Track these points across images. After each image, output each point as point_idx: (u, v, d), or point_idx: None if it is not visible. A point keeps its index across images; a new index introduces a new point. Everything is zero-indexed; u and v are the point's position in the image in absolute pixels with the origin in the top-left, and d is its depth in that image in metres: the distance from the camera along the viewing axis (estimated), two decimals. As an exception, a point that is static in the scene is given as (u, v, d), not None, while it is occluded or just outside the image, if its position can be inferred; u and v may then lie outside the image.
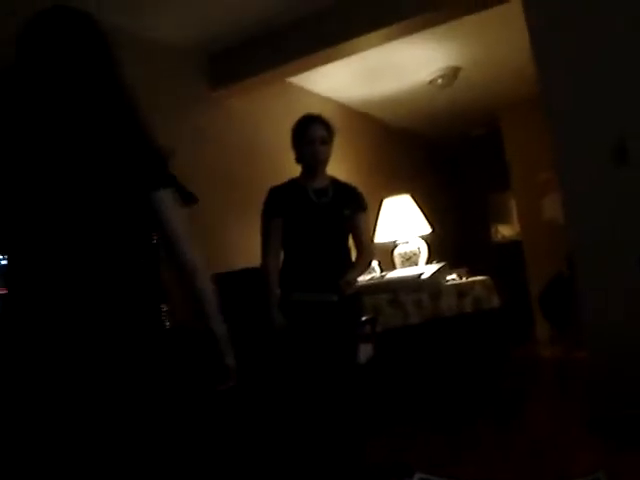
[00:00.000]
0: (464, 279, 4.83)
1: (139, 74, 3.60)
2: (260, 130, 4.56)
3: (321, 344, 2.74)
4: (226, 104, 4.40)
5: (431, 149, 7.62)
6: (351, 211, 2.89)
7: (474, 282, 4.73)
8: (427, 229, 5.46)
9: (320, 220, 2.81)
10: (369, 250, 3.00)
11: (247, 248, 3.79)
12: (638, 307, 3.04)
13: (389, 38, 3.92)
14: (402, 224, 5.33)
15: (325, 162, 2.87)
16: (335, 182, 2.95)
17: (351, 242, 2.99)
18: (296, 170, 2.99)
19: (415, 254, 5.23)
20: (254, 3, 3.69)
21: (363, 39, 3.85)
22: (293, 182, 2.93)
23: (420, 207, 5.60)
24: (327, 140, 2.85)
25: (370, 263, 3.09)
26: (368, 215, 3.03)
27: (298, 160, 2.92)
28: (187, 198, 3.13)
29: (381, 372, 3.84)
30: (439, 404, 4.06)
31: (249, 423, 2.90)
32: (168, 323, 2.89)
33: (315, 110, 3.01)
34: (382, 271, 4.95)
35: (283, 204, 2.83)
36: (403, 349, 4.16)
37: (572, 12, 3.20)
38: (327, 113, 3.26)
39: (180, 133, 3.90)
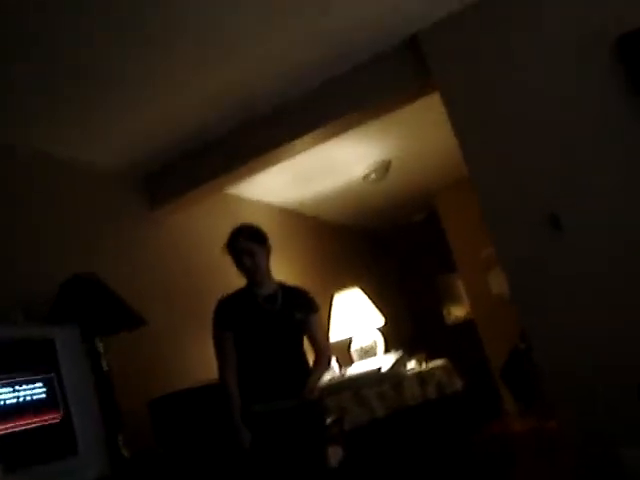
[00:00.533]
0: (424, 365, 4.82)
1: (77, 201, 3.68)
2: (201, 243, 4.57)
3: (288, 453, 2.65)
4: (166, 222, 4.41)
5: (375, 240, 7.76)
6: (303, 314, 2.88)
7: (434, 368, 4.71)
8: (380, 320, 5.47)
9: (272, 327, 2.79)
10: (326, 350, 2.98)
11: (201, 361, 3.72)
12: (593, 374, 3.06)
13: (319, 141, 4.04)
14: (355, 318, 5.33)
15: (258, 271, 2.86)
16: (283, 287, 2.95)
17: (307, 344, 2.96)
18: (236, 281, 2.99)
19: (372, 347, 5.21)
20: (184, 120, 3.77)
21: (294, 145, 3.96)
22: (242, 290, 2.92)
23: (371, 297, 5.63)
24: (253, 250, 2.85)
25: (329, 363, 3.06)
26: (321, 316, 3.02)
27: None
28: (135, 322, 3.09)
29: (354, 472, 3.72)
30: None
31: None
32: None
33: (253, 216, 3.07)
34: (341, 368, 4.89)
35: (233, 315, 2.81)
36: (373, 445, 4.06)
37: (487, 96, 3.37)
38: (265, 218, 3.32)
39: (121, 255, 3.88)
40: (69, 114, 3.33)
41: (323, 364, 2.97)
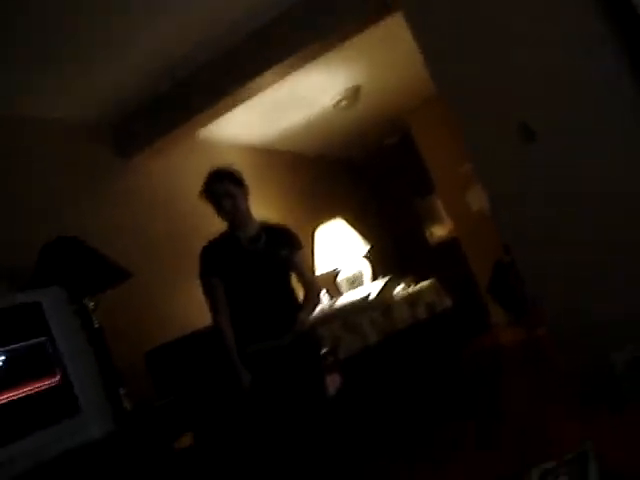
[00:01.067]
0: (412, 287, 4.88)
1: (48, 160, 3.60)
2: (178, 189, 4.52)
3: (288, 388, 2.70)
4: (141, 171, 4.35)
5: (351, 168, 7.71)
6: (287, 251, 2.88)
7: (422, 289, 4.78)
8: (365, 247, 5.51)
9: (258, 267, 2.79)
10: (314, 285, 3.01)
11: (191, 308, 3.74)
12: (577, 275, 3.11)
13: (285, 73, 3.96)
14: (339, 249, 5.35)
15: (240, 213, 2.83)
16: (266, 227, 2.94)
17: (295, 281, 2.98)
18: (218, 222, 2.97)
19: (359, 276, 5.25)
20: (148, 66, 3.68)
21: (260, 80, 3.89)
22: (224, 235, 2.90)
23: (353, 226, 5.65)
24: (232, 192, 2.81)
25: (318, 297, 3.09)
26: (305, 252, 3.03)
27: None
28: (120, 276, 3.08)
29: (354, 399, 3.81)
30: (416, 416, 4.05)
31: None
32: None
33: (226, 157, 3.03)
34: (330, 299, 4.95)
35: (218, 261, 2.80)
36: (368, 371, 4.14)
37: (451, 8, 3.30)
38: (239, 158, 3.27)
39: (99, 209, 3.84)
40: (31, 67, 3.23)
41: (313, 298, 2.99)
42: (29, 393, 2.33)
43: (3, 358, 2.31)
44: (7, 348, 2.33)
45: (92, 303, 2.95)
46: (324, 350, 3.60)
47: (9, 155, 3.42)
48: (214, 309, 2.80)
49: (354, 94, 5.28)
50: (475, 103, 3.31)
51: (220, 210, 2.82)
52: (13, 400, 2.27)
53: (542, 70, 3.10)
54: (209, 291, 2.81)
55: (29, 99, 3.49)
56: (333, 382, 3.47)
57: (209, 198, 2.83)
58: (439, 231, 7.72)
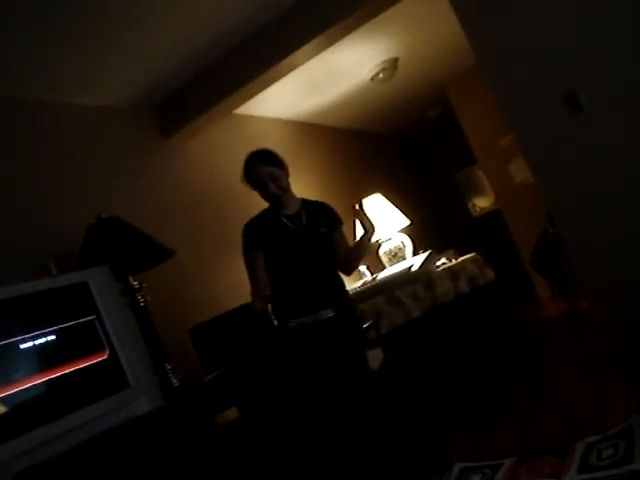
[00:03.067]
0: (454, 261, 4.85)
1: (91, 144, 3.68)
2: (218, 167, 4.56)
3: (329, 362, 2.73)
4: (181, 150, 4.40)
5: (391, 142, 7.65)
6: (327, 228, 2.88)
7: (464, 261, 4.75)
8: (405, 221, 5.49)
9: (300, 245, 2.80)
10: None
11: (232, 285, 3.79)
12: (623, 249, 3.05)
13: (322, 46, 3.93)
14: (380, 223, 5.34)
15: (284, 193, 2.84)
16: (306, 203, 2.94)
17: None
18: (259, 199, 2.98)
19: (400, 249, 5.25)
20: (183, 46, 3.70)
21: (297, 54, 3.86)
22: (265, 212, 2.91)
23: (394, 202, 5.62)
24: (275, 173, 2.80)
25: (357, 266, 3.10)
26: (344, 228, 3.02)
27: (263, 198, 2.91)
28: (164, 254, 3.13)
29: (398, 372, 3.83)
30: (462, 389, 4.05)
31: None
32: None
33: (266, 134, 3.02)
34: (372, 274, 4.95)
35: (260, 238, 2.82)
36: (412, 345, 4.15)
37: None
38: (278, 134, 3.27)
39: (141, 189, 3.91)
40: (68, 59, 3.29)
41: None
42: (80, 368, 2.42)
43: (54, 336, 2.39)
44: (58, 327, 2.41)
45: (137, 282, 3.01)
46: (366, 324, 3.61)
47: (57, 141, 3.51)
48: (253, 282, 2.82)
49: (392, 66, 5.21)
50: (518, 73, 3.24)
51: (265, 193, 2.82)
52: (65, 376, 2.36)
53: (589, 39, 3.02)
54: (250, 266, 2.83)
55: (71, 86, 3.56)
56: (375, 357, 3.48)
57: (252, 182, 2.83)
58: (481, 203, 7.63)
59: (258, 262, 2.81)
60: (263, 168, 2.79)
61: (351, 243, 3.05)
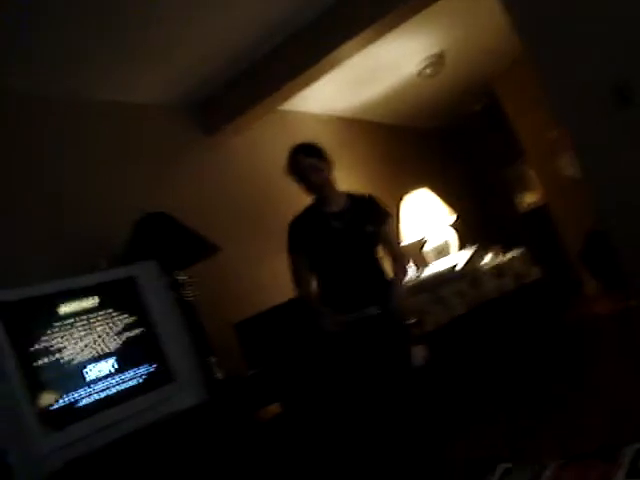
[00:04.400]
0: (500, 257, 4.78)
1: (136, 140, 3.74)
2: (261, 163, 4.59)
3: (373, 358, 2.72)
4: (226, 145, 4.44)
5: (437, 137, 7.58)
6: (374, 226, 2.87)
7: (510, 259, 4.68)
8: (452, 216, 5.43)
9: (345, 243, 2.80)
10: (401, 256, 2.99)
11: (274, 281, 3.81)
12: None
13: (368, 41, 3.91)
14: (426, 218, 5.30)
15: (326, 185, 2.85)
16: (352, 198, 2.93)
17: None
18: (303, 195, 2.99)
19: (445, 245, 5.19)
20: (228, 43, 3.72)
21: (342, 49, 3.85)
22: (310, 209, 2.92)
23: (440, 196, 5.57)
24: (317, 165, 2.82)
25: (405, 268, 3.07)
26: (392, 223, 3.00)
27: (306, 191, 2.92)
28: (210, 250, 3.17)
29: (441, 370, 3.80)
30: (504, 390, 4.00)
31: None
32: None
33: (311, 130, 3.02)
34: (417, 270, 4.92)
35: (304, 237, 2.83)
36: (456, 342, 4.12)
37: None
38: (323, 129, 3.27)
39: (186, 185, 3.96)
40: (113, 57, 3.34)
41: (401, 271, 2.97)
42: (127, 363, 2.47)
43: (102, 331, 2.44)
44: (105, 322, 2.47)
45: (183, 277, 3.05)
46: (411, 321, 3.60)
47: (102, 139, 3.57)
48: (297, 282, 2.87)
49: (438, 61, 5.16)
50: (566, 65, 3.16)
51: (308, 184, 2.83)
52: (112, 367, 2.41)
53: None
54: (294, 267, 2.87)
55: (115, 84, 3.61)
56: (419, 354, 3.47)
57: (295, 173, 2.85)
58: (529, 198, 7.50)
59: (301, 263, 2.85)
60: (305, 159, 2.81)
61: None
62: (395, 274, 2.93)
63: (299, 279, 2.85)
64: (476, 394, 3.98)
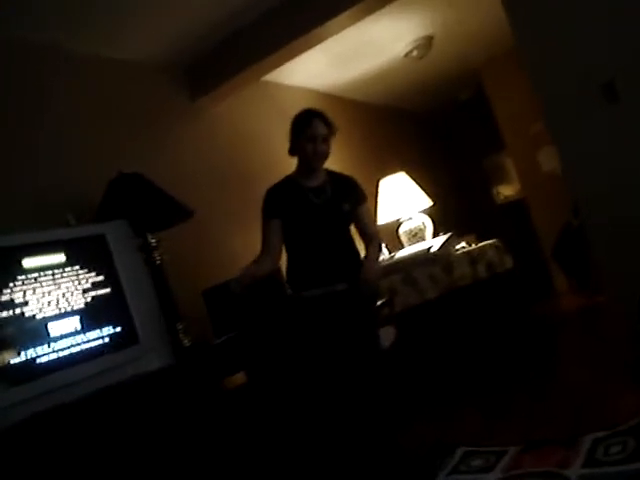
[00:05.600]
0: (474, 246, 4.80)
1: (117, 98, 3.65)
2: (243, 131, 4.52)
3: (339, 335, 2.71)
4: (208, 112, 4.36)
5: (419, 122, 7.56)
6: (351, 205, 2.84)
7: (484, 247, 4.69)
8: (428, 202, 5.43)
9: (321, 219, 2.77)
10: (376, 238, 2.95)
11: (250, 249, 3.76)
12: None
13: (356, 18, 3.86)
14: (402, 202, 5.30)
15: (325, 160, 2.82)
16: (332, 175, 2.90)
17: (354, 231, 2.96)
18: (286, 165, 2.95)
19: (421, 229, 5.20)
20: (217, 8, 3.64)
21: (330, 24, 3.79)
22: (289, 180, 2.88)
23: (417, 181, 5.56)
24: (328, 138, 2.79)
25: (379, 250, 3.04)
26: (368, 205, 2.97)
27: (293, 153, 2.86)
28: (183, 214, 3.12)
29: (408, 352, 3.81)
30: (471, 375, 4.03)
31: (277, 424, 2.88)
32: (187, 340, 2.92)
33: (293, 102, 2.98)
34: (390, 252, 4.92)
35: (281, 205, 2.79)
36: (425, 326, 4.13)
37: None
38: (305, 103, 3.22)
39: (165, 148, 3.89)
40: (101, 10, 3.24)
41: (374, 252, 2.94)
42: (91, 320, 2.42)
43: (67, 287, 2.39)
44: (71, 278, 2.41)
45: (154, 239, 3.00)
46: (380, 301, 3.59)
47: (81, 92, 3.47)
48: (263, 248, 2.82)
49: (426, 44, 5.12)
50: (555, 59, 3.16)
51: (311, 150, 2.77)
52: (76, 325, 2.37)
53: (630, 28, 2.92)
54: (265, 231, 2.83)
55: (99, 37, 3.51)
56: (387, 334, 3.46)
57: (301, 133, 2.78)
58: (506, 190, 7.54)
59: (274, 228, 2.80)
60: (323, 127, 2.77)
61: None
62: (369, 253, 2.91)
63: (266, 244, 2.81)
64: (442, 379, 4.01)
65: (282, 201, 2.80)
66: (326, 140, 2.79)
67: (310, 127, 2.76)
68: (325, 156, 2.81)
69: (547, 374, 3.80)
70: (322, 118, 2.80)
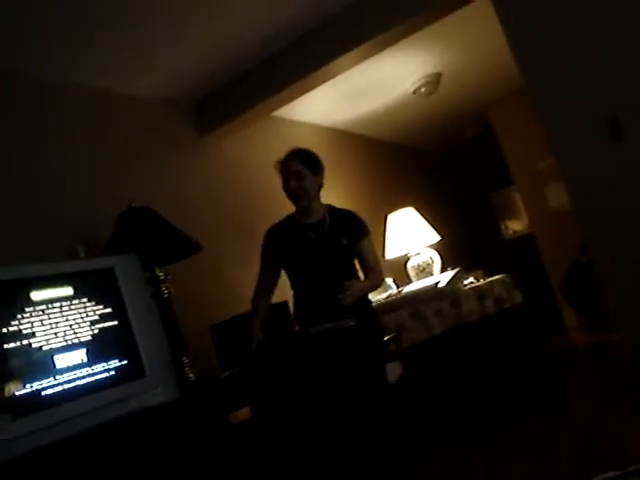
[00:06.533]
0: (481, 281, 4.78)
1: (127, 133, 3.70)
2: (251, 167, 4.57)
3: (345, 371, 2.69)
4: (215, 147, 4.41)
5: (428, 157, 7.61)
6: (349, 240, 2.82)
7: (492, 282, 4.67)
8: (436, 237, 5.44)
9: (320, 255, 2.77)
10: (377, 272, 2.93)
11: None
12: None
13: (365, 56, 3.93)
14: (410, 236, 5.30)
15: (305, 196, 2.79)
16: (332, 211, 2.90)
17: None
18: (289, 203, 2.97)
19: (429, 264, 5.19)
20: (227, 46, 3.71)
21: (340, 61, 3.86)
22: (289, 219, 2.90)
23: (425, 217, 5.57)
24: (302, 173, 2.78)
25: (379, 283, 3.02)
26: (371, 239, 2.97)
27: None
28: (192, 248, 3.14)
29: (415, 388, 3.78)
30: (478, 411, 3.98)
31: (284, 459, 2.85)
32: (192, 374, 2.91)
33: (302, 138, 3.02)
34: (398, 287, 4.91)
35: (279, 245, 2.83)
36: (432, 362, 4.10)
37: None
38: (314, 139, 3.26)
39: (174, 183, 3.92)
40: (114, 47, 3.32)
41: (373, 280, 2.93)
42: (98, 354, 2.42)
43: (75, 319, 2.40)
44: (79, 311, 2.42)
45: (163, 273, 3.01)
46: (388, 337, 3.57)
47: (92, 127, 3.53)
48: (258, 287, 2.92)
49: (435, 81, 5.18)
50: (562, 96, 3.18)
51: (285, 187, 2.82)
52: (82, 357, 2.37)
53: (636, 66, 2.95)
54: (262, 271, 2.93)
55: (115, 75, 3.60)
56: (394, 370, 3.44)
57: (281, 172, 2.84)
58: (515, 226, 7.54)
59: (270, 268, 2.89)
60: (294, 164, 2.79)
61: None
62: (365, 279, 2.91)
63: (259, 284, 2.92)
64: (449, 415, 3.96)
65: (281, 240, 2.84)
66: (298, 176, 2.77)
67: (283, 164, 2.82)
68: (304, 194, 2.79)
69: (554, 414, 3.74)
70: (297, 155, 2.82)
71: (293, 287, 2.87)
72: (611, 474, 2.47)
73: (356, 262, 2.92)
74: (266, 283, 2.91)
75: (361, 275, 2.94)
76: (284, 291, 3.02)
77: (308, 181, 2.79)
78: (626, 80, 2.97)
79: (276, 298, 3.08)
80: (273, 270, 2.90)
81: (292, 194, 2.81)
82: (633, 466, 2.47)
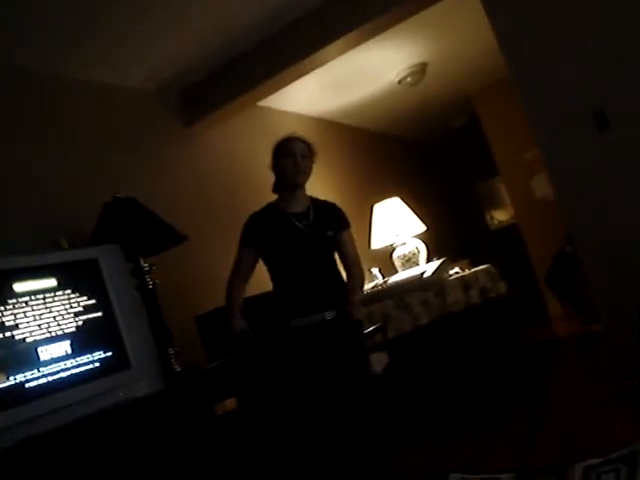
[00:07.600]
0: (467, 271, 4.80)
1: (112, 123, 3.67)
2: (237, 156, 4.56)
3: (328, 363, 2.69)
4: (202, 137, 4.39)
5: (414, 147, 7.62)
6: (334, 231, 2.83)
7: (478, 272, 4.70)
8: (422, 227, 5.45)
9: (304, 245, 2.75)
10: (357, 266, 2.93)
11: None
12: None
13: (351, 45, 3.92)
14: (396, 227, 5.31)
15: (305, 178, 2.82)
16: (315, 202, 2.90)
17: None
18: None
19: (414, 254, 5.21)
20: (213, 35, 3.69)
21: (326, 50, 3.84)
22: (271, 207, 2.87)
23: (411, 207, 5.58)
24: (307, 155, 2.82)
25: (362, 279, 3.02)
26: (351, 231, 2.97)
27: (276, 181, 2.88)
28: (177, 239, 3.12)
29: (401, 378, 3.79)
30: (463, 401, 4.01)
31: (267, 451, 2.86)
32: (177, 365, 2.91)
33: (288, 128, 3.00)
34: (384, 277, 4.92)
35: (262, 234, 2.79)
36: (418, 351, 4.12)
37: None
38: (300, 129, 3.24)
39: (160, 173, 3.90)
40: (96, 38, 3.29)
41: (356, 279, 2.93)
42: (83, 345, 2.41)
43: (59, 311, 2.38)
44: (63, 302, 2.41)
45: (147, 264, 3.00)
46: (373, 327, 3.58)
47: (76, 118, 3.50)
48: (233, 272, 2.84)
49: (420, 71, 5.18)
50: (548, 87, 3.19)
51: (284, 167, 2.80)
52: (67, 349, 2.35)
53: (621, 57, 2.97)
54: (238, 258, 2.85)
55: (98, 66, 3.56)
56: (379, 360, 3.45)
57: (282, 154, 2.81)
58: (500, 216, 7.57)
59: (248, 256, 2.83)
60: (300, 144, 2.81)
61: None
62: (349, 281, 2.89)
63: (237, 271, 2.83)
64: (435, 404, 3.98)
65: (264, 229, 2.79)
66: (305, 156, 2.80)
67: (288, 146, 2.81)
68: (305, 172, 2.81)
69: (538, 402, 3.77)
70: (300, 138, 2.85)
71: (274, 278, 2.83)
72: (594, 461, 2.50)
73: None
74: (244, 271, 2.83)
75: (340, 268, 2.93)
76: (262, 282, 3.00)
77: (310, 164, 2.82)
78: (612, 72, 2.99)
79: (255, 289, 3.09)
80: (253, 258, 2.83)
81: (294, 168, 2.78)
82: (615, 453, 2.51)
